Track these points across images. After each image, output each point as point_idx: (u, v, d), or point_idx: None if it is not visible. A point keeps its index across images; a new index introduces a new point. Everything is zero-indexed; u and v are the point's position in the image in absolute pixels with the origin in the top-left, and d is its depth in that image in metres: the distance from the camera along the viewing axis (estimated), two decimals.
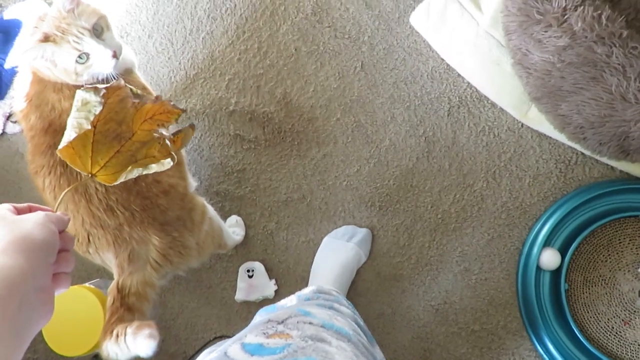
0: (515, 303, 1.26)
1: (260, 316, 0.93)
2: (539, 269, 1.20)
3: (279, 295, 1.32)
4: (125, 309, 0.98)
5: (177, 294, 1.38)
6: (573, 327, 1.14)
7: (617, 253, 1.18)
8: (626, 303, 1.17)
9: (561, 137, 1.23)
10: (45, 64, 0.95)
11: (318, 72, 1.39)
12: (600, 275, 1.18)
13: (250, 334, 0.71)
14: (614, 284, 1.18)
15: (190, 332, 1.37)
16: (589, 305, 1.18)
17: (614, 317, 1.17)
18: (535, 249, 1.20)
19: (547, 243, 1.20)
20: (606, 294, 1.18)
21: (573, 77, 1.08)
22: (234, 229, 1.34)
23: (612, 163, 1.23)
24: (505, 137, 1.30)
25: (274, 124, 1.39)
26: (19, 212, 0.56)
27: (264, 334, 0.70)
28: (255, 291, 1.32)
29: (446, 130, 1.32)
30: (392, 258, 1.31)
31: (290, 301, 1.00)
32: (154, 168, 0.67)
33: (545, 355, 1.20)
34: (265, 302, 1.32)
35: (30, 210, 0.58)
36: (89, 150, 0.63)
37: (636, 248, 1.18)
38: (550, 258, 1.17)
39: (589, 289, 1.18)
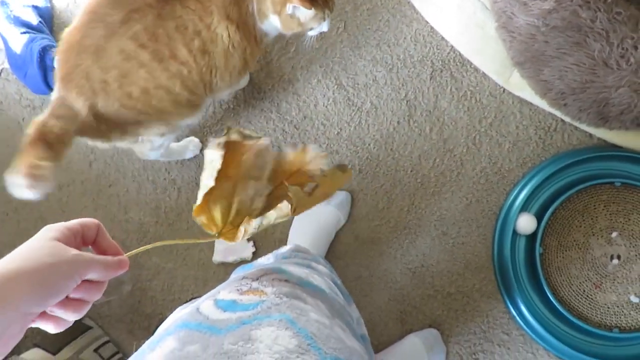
0: (490, 267, 1.27)
1: (236, 274, 0.92)
2: (515, 233, 1.21)
3: (256, 257, 1.32)
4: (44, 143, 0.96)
5: (154, 256, 1.37)
6: (546, 290, 1.16)
7: (592, 218, 1.20)
8: (598, 267, 1.20)
9: (542, 104, 1.23)
10: (292, 14, 1.00)
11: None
12: (574, 240, 1.20)
13: (223, 291, 0.70)
14: (587, 249, 1.20)
15: (167, 294, 1.37)
16: (562, 269, 1.20)
17: (586, 280, 1.20)
18: (512, 214, 1.21)
19: (524, 208, 1.21)
20: (579, 258, 1.20)
21: (557, 41, 1.07)
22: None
23: (591, 130, 1.24)
24: (487, 102, 1.29)
25: (254, 84, 1.36)
26: (83, 233, 0.52)
27: (238, 290, 0.69)
28: (232, 253, 1.32)
29: (428, 95, 1.31)
30: (371, 221, 1.31)
31: (267, 259, 1.00)
32: (272, 215, 0.59)
33: (518, 317, 1.23)
34: (242, 263, 1.32)
35: (97, 232, 0.54)
36: (218, 208, 0.59)
37: (610, 214, 1.20)
38: (526, 223, 1.18)
39: (562, 253, 1.20)
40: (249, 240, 1.32)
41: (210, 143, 0.58)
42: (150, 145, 1.16)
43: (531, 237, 1.20)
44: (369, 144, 1.32)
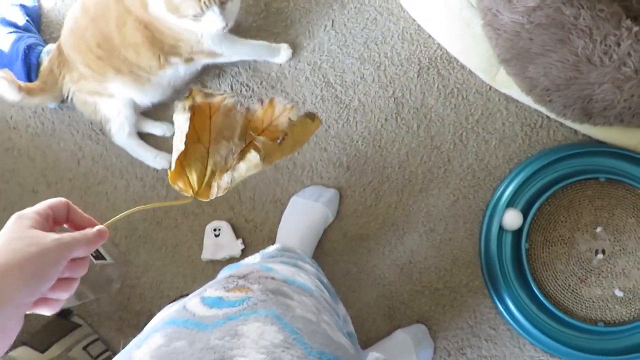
0: (477, 262, 1.29)
1: (224, 273, 0.93)
2: (501, 229, 1.22)
3: (245, 254, 1.32)
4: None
5: (143, 253, 1.37)
6: (532, 285, 1.17)
7: (577, 214, 1.21)
8: (583, 262, 1.21)
9: (528, 100, 1.24)
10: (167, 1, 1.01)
11: (288, 30, 1.36)
12: (559, 235, 1.22)
13: (210, 288, 0.70)
14: (572, 244, 1.21)
15: (155, 291, 1.37)
16: (548, 264, 1.22)
17: (571, 275, 1.21)
18: (499, 210, 1.22)
19: (510, 204, 1.22)
20: (565, 253, 1.21)
21: (541, 38, 1.08)
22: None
23: (575, 126, 1.26)
24: (474, 99, 1.30)
25: (242, 81, 1.36)
26: (55, 215, 0.53)
27: (224, 288, 0.70)
28: (221, 250, 1.32)
29: (415, 92, 1.32)
30: (359, 218, 1.32)
31: (254, 259, 1.00)
32: (242, 168, 0.60)
33: (504, 312, 1.24)
34: (231, 261, 1.32)
35: (67, 210, 0.54)
36: (193, 172, 0.59)
37: (595, 209, 1.21)
38: (512, 218, 1.20)
39: (548, 248, 1.22)
40: (237, 237, 1.33)
41: (176, 107, 0.59)
42: (114, 122, 1.28)
43: (517, 233, 1.22)
44: (357, 141, 1.33)
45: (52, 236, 0.49)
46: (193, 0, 0.99)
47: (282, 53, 1.33)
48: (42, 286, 0.47)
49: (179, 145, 0.58)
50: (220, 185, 0.60)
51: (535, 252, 1.22)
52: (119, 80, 1.23)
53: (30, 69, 1.29)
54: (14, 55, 1.29)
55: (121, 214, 0.58)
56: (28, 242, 0.47)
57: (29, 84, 1.27)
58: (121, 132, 1.30)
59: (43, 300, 0.50)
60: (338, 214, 1.32)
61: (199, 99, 0.59)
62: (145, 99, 1.30)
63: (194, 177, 0.60)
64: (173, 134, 1.26)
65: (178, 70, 1.25)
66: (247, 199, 1.35)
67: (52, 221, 0.53)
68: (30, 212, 0.51)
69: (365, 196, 1.32)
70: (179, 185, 0.60)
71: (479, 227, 1.29)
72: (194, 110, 0.58)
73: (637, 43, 1.01)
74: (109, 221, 0.57)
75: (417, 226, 1.31)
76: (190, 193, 0.61)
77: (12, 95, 1.21)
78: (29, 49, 1.29)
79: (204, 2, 1.00)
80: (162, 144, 1.37)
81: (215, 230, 1.32)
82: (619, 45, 1.02)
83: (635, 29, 1.02)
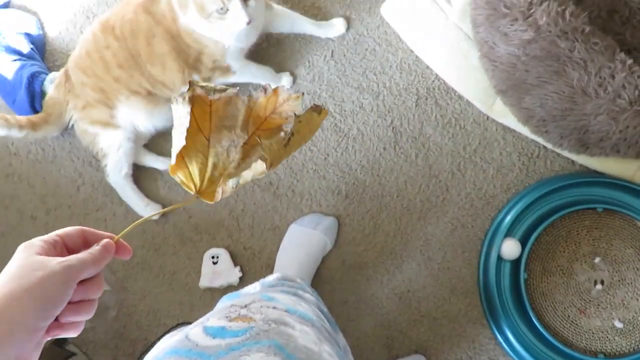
0: (476, 292, 1.28)
1: (223, 302, 0.93)
2: (500, 258, 1.22)
3: (243, 282, 1.32)
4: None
5: (140, 280, 1.36)
6: (531, 315, 1.16)
7: (575, 244, 1.21)
8: (582, 292, 1.21)
9: (524, 130, 1.26)
10: None
11: (288, 60, 1.38)
12: (558, 265, 1.21)
13: (212, 318, 0.70)
14: (571, 274, 1.21)
15: (152, 319, 1.35)
16: (546, 295, 1.21)
17: (570, 306, 1.21)
18: (497, 239, 1.23)
19: (508, 233, 1.22)
20: (563, 283, 1.21)
21: (537, 70, 1.10)
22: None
23: (572, 157, 1.27)
24: (471, 129, 1.32)
25: None
26: (67, 244, 0.53)
27: (227, 317, 0.70)
28: (219, 278, 1.31)
29: (413, 121, 1.33)
30: (358, 246, 1.32)
31: (254, 288, 1.00)
32: (247, 175, 0.57)
33: (504, 343, 1.23)
34: (229, 289, 1.31)
35: (83, 238, 0.54)
36: (194, 163, 0.57)
37: (593, 239, 1.21)
38: (511, 248, 1.20)
39: (547, 278, 1.21)
40: (235, 265, 1.32)
41: (175, 100, 0.56)
42: (112, 158, 1.29)
43: (516, 263, 1.21)
44: (356, 170, 1.34)
45: (58, 259, 0.49)
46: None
47: (284, 79, 1.36)
48: (52, 310, 0.47)
49: (179, 140, 0.55)
50: (225, 190, 0.57)
51: (534, 282, 1.21)
52: (131, 102, 1.25)
53: (33, 96, 1.31)
54: (18, 82, 1.31)
55: (131, 226, 0.57)
56: (34, 267, 0.48)
57: (32, 118, 1.28)
58: (117, 170, 1.30)
59: (58, 325, 0.50)
60: (336, 242, 1.32)
61: (199, 91, 0.56)
62: (153, 123, 1.31)
63: (195, 169, 0.57)
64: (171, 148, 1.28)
65: None
66: (245, 226, 1.35)
67: (63, 248, 0.53)
68: (37, 240, 0.51)
69: (364, 224, 1.32)
70: (180, 176, 0.58)
71: (477, 256, 1.29)
72: (194, 100, 0.56)
73: (631, 76, 1.03)
74: (119, 234, 0.56)
75: (416, 255, 1.31)
76: (192, 188, 0.58)
77: (14, 134, 1.25)
78: (33, 76, 1.31)
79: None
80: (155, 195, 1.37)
81: (213, 257, 1.32)
82: (613, 77, 1.04)
83: (629, 61, 1.04)
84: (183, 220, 1.37)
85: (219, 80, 1.31)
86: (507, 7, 1.11)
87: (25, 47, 1.40)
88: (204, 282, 1.32)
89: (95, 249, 0.53)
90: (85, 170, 1.40)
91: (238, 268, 1.32)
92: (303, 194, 1.34)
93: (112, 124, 1.27)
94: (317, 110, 0.60)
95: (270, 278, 1.07)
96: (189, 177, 0.58)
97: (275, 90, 0.58)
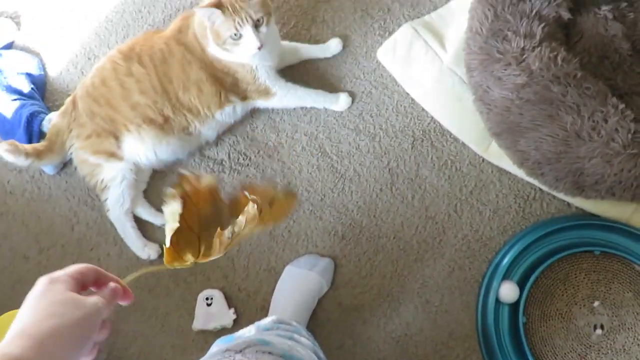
0: (474, 336, 1.26)
1: (217, 346, 0.91)
2: (498, 302, 1.20)
3: (237, 324, 1.29)
4: None
5: (132, 321, 1.33)
6: None
7: (573, 287, 1.20)
8: (582, 337, 1.19)
9: (520, 173, 1.27)
10: (207, 22, 1.14)
11: None
12: (557, 309, 1.20)
13: None
14: (570, 318, 1.19)
15: None
16: (546, 339, 1.19)
17: (571, 351, 1.18)
18: (495, 282, 1.21)
19: (506, 276, 1.21)
20: (563, 327, 1.19)
21: (531, 114, 1.11)
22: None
23: (568, 199, 1.27)
24: (467, 171, 1.32)
25: (240, 149, 1.39)
26: (83, 281, 0.54)
27: None
28: (213, 320, 1.29)
29: (410, 163, 1.34)
30: (354, 288, 1.30)
31: (248, 331, 0.98)
32: (241, 221, 0.62)
33: None
34: (223, 331, 1.29)
35: (96, 277, 0.56)
36: (187, 253, 0.62)
37: (591, 283, 1.20)
38: (508, 291, 1.18)
39: (546, 322, 1.19)
40: (229, 307, 1.30)
41: (166, 195, 0.61)
42: (113, 191, 1.29)
43: (514, 306, 1.20)
44: (352, 211, 1.34)
45: (91, 300, 0.51)
46: (229, 22, 1.12)
47: (342, 99, 1.38)
48: (85, 348, 0.50)
49: (168, 237, 0.61)
50: (223, 241, 0.62)
51: (533, 326, 1.20)
52: (142, 132, 1.26)
53: (32, 135, 1.32)
54: (17, 122, 1.32)
55: (135, 274, 0.60)
56: (72, 305, 0.49)
57: (37, 147, 1.29)
58: (118, 205, 1.30)
59: None
60: (333, 283, 1.30)
61: (187, 186, 0.62)
62: (159, 155, 1.31)
63: (188, 257, 0.62)
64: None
65: (235, 110, 1.33)
66: (240, 267, 1.34)
67: (81, 283, 0.54)
68: (64, 275, 0.53)
69: (360, 266, 1.31)
70: (176, 265, 0.63)
71: (475, 299, 1.27)
72: (184, 201, 0.61)
73: (623, 120, 1.05)
74: (125, 279, 0.59)
75: (413, 297, 1.29)
76: (189, 264, 0.63)
77: (20, 162, 1.26)
78: (32, 116, 1.33)
79: (238, 22, 1.12)
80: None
81: (207, 299, 1.30)
82: (606, 121, 1.05)
83: (621, 106, 1.06)
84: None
85: (260, 103, 1.35)
86: (500, 53, 1.14)
87: (26, 87, 1.42)
88: (198, 324, 1.29)
89: (106, 292, 0.55)
90: (80, 209, 1.40)
91: (232, 310, 1.30)
92: (299, 235, 1.34)
93: (117, 155, 1.28)
94: (286, 195, 0.69)
95: (265, 321, 1.05)
96: (184, 263, 0.63)
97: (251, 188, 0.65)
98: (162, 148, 1.30)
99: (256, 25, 1.14)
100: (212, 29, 1.16)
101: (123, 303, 0.58)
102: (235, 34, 1.13)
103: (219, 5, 1.11)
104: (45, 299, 0.50)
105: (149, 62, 1.24)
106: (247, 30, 1.13)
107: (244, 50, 1.17)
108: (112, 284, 0.56)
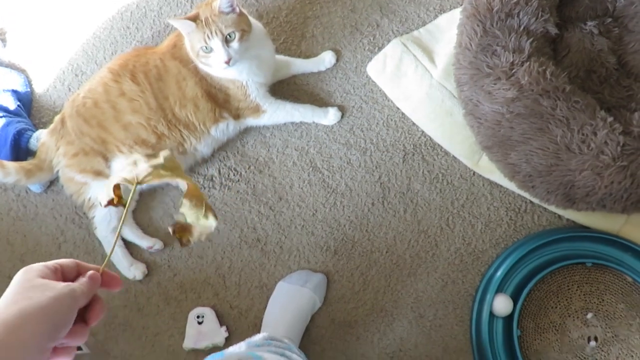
0: (469, 350, 1.25)
1: None
2: (492, 315, 1.20)
3: (229, 342, 1.27)
4: None
5: (121, 342, 1.30)
6: None
7: (566, 299, 1.20)
8: (576, 350, 1.18)
9: (511, 186, 1.27)
10: (184, 34, 1.18)
11: None
12: (550, 322, 1.20)
13: None
14: (564, 331, 1.19)
15: None
16: (541, 352, 1.19)
17: None
18: (488, 295, 1.21)
19: (499, 289, 1.21)
20: (557, 340, 1.19)
21: (521, 127, 1.12)
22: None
23: (559, 211, 1.28)
24: (458, 184, 1.33)
25: (229, 165, 1.38)
26: (64, 272, 0.55)
27: None
28: (204, 338, 1.26)
29: (401, 177, 1.34)
30: (347, 304, 1.29)
31: (239, 347, 0.97)
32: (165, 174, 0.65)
33: None
34: (215, 350, 1.26)
35: (77, 270, 0.57)
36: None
37: (584, 295, 1.20)
38: (502, 304, 1.18)
39: (540, 335, 1.19)
40: (221, 325, 1.28)
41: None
42: (100, 210, 1.28)
43: (508, 319, 1.19)
44: (344, 225, 1.33)
45: (63, 284, 0.51)
46: (199, 34, 1.13)
47: (331, 113, 1.38)
48: (62, 330, 0.49)
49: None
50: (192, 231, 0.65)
51: (528, 339, 1.19)
52: (135, 152, 1.24)
53: (19, 153, 1.30)
54: (3, 140, 1.30)
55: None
56: (42, 288, 0.49)
57: (25, 165, 1.26)
58: (105, 223, 1.28)
59: (61, 349, 0.52)
60: (325, 299, 1.29)
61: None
62: None
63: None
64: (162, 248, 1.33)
65: (228, 128, 1.32)
66: (232, 284, 1.32)
67: (60, 277, 0.54)
68: (39, 264, 0.53)
69: (353, 281, 1.30)
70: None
71: (469, 312, 1.26)
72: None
73: (612, 133, 1.06)
74: (103, 265, 0.59)
75: (407, 312, 1.28)
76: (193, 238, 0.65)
77: (7, 180, 1.25)
78: (19, 134, 1.30)
79: (207, 34, 1.13)
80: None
81: (198, 317, 1.28)
82: (595, 134, 1.06)
83: (610, 119, 1.07)
84: (167, 278, 1.33)
85: (251, 121, 1.35)
86: (490, 67, 1.15)
87: (12, 104, 1.39)
88: (189, 343, 1.27)
89: (83, 280, 0.55)
90: (67, 227, 1.37)
91: (224, 328, 1.27)
92: (291, 251, 1.32)
93: (104, 173, 1.26)
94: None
95: (257, 337, 1.03)
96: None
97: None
98: None
99: (227, 40, 1.15)
100: (188, 40, 1.17)
101: (113, 289, 0.59)
102: (205, 47, 1.14)
103: (194, 18, 1.13)
104: (16, 285, 0.50)
105: (144, 80, 1.23)
106: (216, 44, 1.13)
107: (212, 64, 1.17)
108: (90, 272, 0.56)
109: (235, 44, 1.16)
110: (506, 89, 1.12)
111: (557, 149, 1.10)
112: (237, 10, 1.16)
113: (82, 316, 0.54)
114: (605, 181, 1.07)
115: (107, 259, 0.60)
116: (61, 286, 0.50)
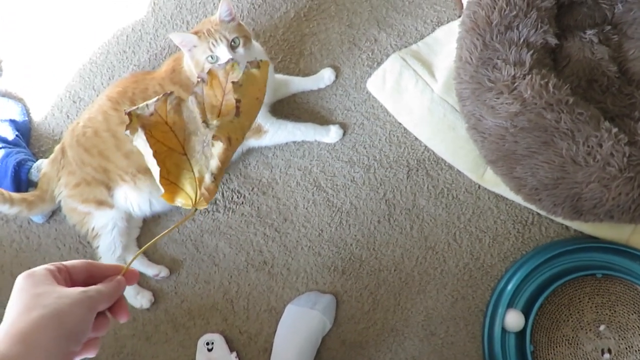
0: None
1: None
2: (504, 330, 1.19)
3: None
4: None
5: None
6: None
7: (578, 312, 1.19)
8: None
9: (517, 198, 1.26)
10: (185, 50, 1.16)
11: None
12: (563, 335, 1.19)
13: None
14: (577, 344, 1.18)
15: None
16: None
17: None
18: (500, 310, 1.20)
19: (510, 304, 1.20)
20: (571, 354, 1.18)
21: (526, 141, 1.11)
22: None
23: (567, 223, 1.27)
24: (464, 198, 1.32)
25: (233, 187, 1.37)
26: (72, 274, 0.52)
27: None
28: None
29: (406, 193, 1.33)
30: (357, 324, 1.28)
31: None
32: (213, 162, 0.57)
33: None
34: None
35: (87, 271, 0.53)
36: (184, 181, 0.57)
37: (596, 307, 1.19)
38: (514, 320, 1.17)
39: (554, 349, 1.18)
40: (231, 351, 1.27)
41: (131, 136, 0.56)
42: (104, 239, 1.26)
43: (521, 334, 1.18)
44: (351, 244, 1.32)
45: (79, 289, 0.49)
46: (203, 44, 1.13)
47: (332, 131, 1.37)
48: (78, 339, 0.47)
49: (153, 168, 0.55)
50: (209, 188, 0.57)
51: (541, 354, 1.18)
52: (140, 181, 1.24)
53: (20, 184, 1.28)
54: (3, 171, 1.29)
55: (145, 245, 0.58)
56: (56, 295, 0.47)
57: (26, 197, 1.25)
58: (110, 252, 1.27)
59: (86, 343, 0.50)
60: (335, 320, 1.28)
61: (141, 120, 0.56)
62: (153, 206, 1.29)
63: (188, 187, 0.57)
64: (168, 275, 1.29)
65: None
66: (240, 308, 1.30)
67: (67, 278, 0.52)
68: (40, 268, 0.50)
69: (362, 301, 1.29)
70: (180, 201, 0.57)
71: (480, 328, 1.25)
72: (145, 127, 0.56)
73: (617, 144, 1.05)
74: (129, 261, 0.56)
75: (417, 330, 1.27)
76: (191, 204, 0.57)
77: (9, 211, 1.23)
78: (19, 165, 1.29)
79: (212, 43, 1.13)
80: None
81: (207, 344, 1.26)
82: (601, 146, 1.06)
83: (614, 130, 1.07)
84: (175, 305, 1.32)
85: (252, 142, 1.33)
86: (491, 81, 1.14)
87: (11, 135, 1.38)
88: None
89: (109, 284, 0.52)
90: (72, 257, 1.36)
91: (234, 354, 1.26)
92: (298, 272, 1.31)
93: (108, 203, 1.25)
94: (254, 65, 0.60)
95: None
96: (186, 197, 0.57)
97: (210, 73, 0.58)
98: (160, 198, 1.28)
99: (232, 46, 1.15)
100: (191, 57, 1.16)
101: (120, 320, 0.56)
102: (211, 56, 1.14)
103: (195, 33, 1.14)
104: (23, 293, 0.48)
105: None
106: (222, 50, 1.13)
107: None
108: (119, 277, 0.53)
109: (240, 50, 1.16)
110: (509, 103, 1.11)
111: (562, 162, 1.09)
112: (236, 19, 1.17)
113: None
114: (613, 193, 1.06)
115: (128, 264, 0.56)
116: (76, 293, 0.48)
